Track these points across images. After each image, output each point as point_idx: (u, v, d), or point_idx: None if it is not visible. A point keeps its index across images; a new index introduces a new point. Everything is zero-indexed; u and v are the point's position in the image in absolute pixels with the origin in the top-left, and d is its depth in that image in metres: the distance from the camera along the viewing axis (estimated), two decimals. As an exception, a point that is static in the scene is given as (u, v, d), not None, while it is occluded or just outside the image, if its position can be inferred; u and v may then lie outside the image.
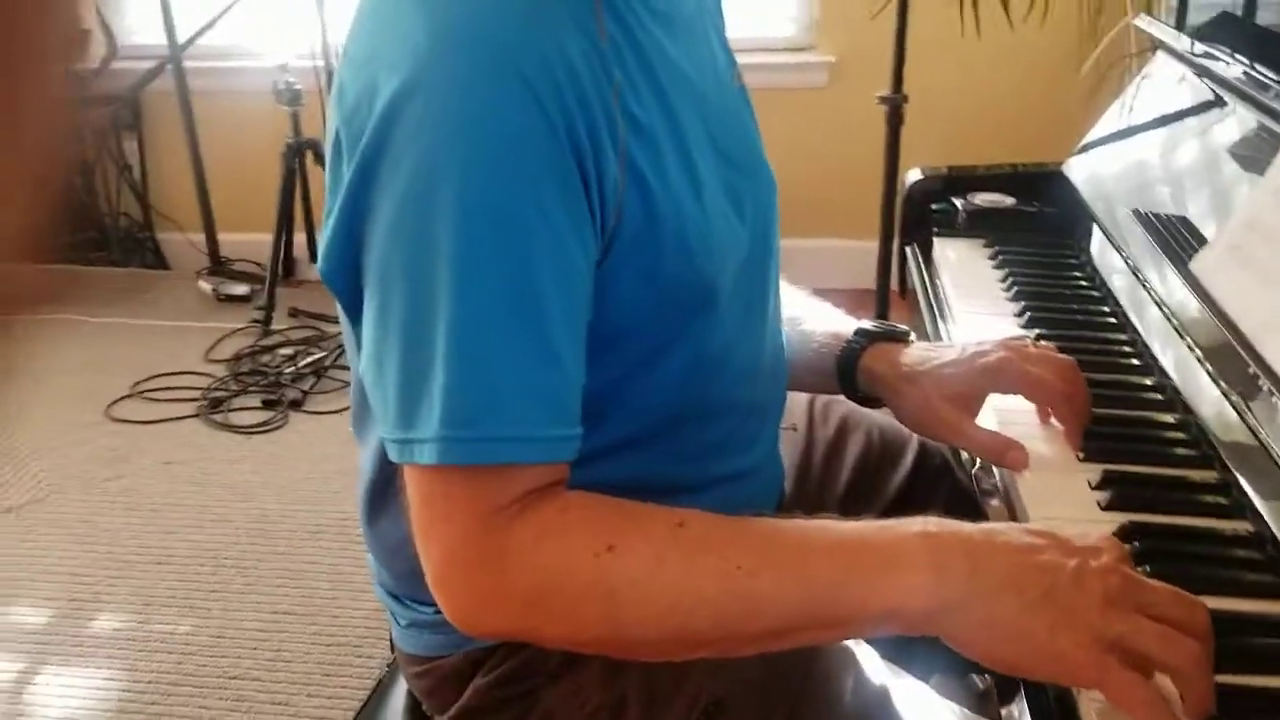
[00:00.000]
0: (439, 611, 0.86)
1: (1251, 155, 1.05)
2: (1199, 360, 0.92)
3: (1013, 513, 0.84)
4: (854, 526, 0.69)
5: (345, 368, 2.75)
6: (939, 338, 1.17)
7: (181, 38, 3.01)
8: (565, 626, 0.73)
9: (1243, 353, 0.83)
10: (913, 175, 1.43)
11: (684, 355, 0.80)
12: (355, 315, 0.76)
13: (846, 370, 0.97)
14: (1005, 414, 0.92)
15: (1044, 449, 0.89)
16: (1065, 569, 0.63)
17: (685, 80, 0.77)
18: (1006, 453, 0.86)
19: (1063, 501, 0.84)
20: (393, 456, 0.72)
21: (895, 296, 2.17)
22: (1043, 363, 0.90)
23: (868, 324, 0.99)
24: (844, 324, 1.00)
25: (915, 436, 1.13)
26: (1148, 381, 1.02)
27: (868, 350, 0.96)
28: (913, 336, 0.98)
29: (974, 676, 0.99)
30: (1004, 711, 0.80)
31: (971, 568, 0.64)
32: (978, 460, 0.95)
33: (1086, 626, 0.62)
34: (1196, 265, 0.93)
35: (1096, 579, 0.63)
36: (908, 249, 1.39)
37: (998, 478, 0.90)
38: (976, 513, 0.95)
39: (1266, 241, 0.86)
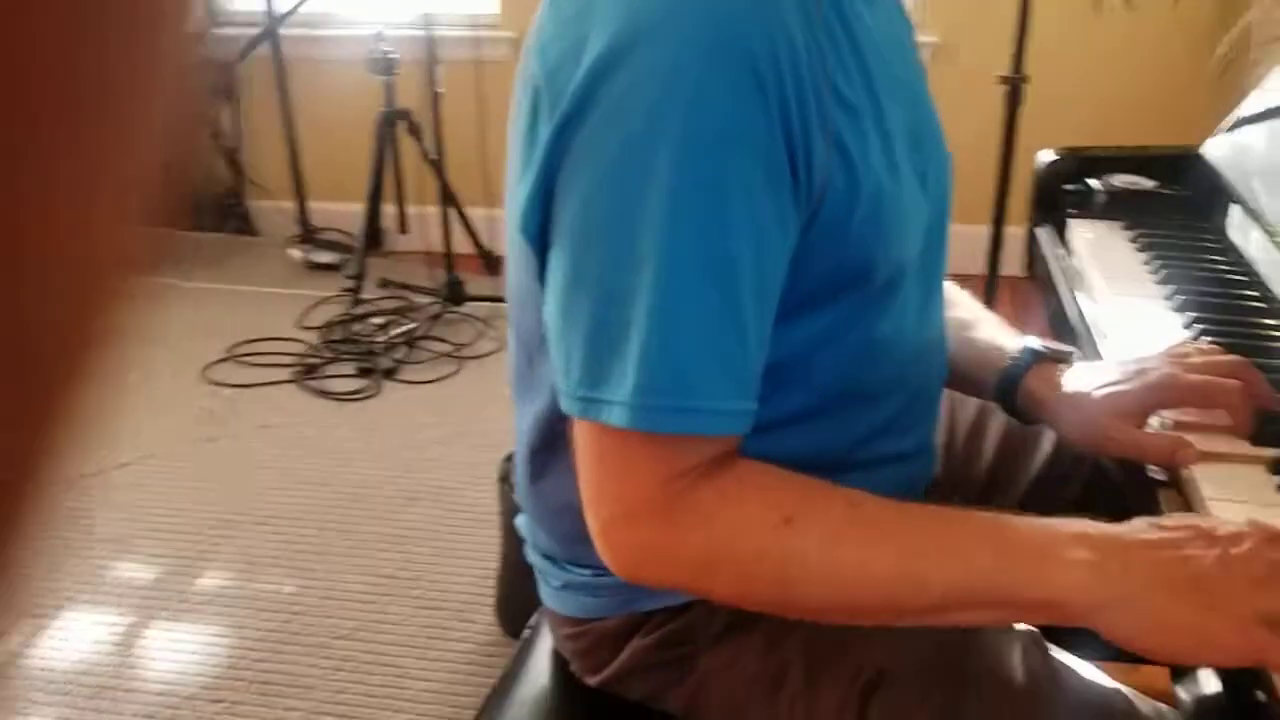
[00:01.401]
0: (599, 573, 0.88)
1: None
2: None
3: (1189, 503, 0.83)
4: (1017, 520, 0.72)
5: (437, 338, 2.78)
6: (1079, 319, 1.15)
7: (280, 7, 3.04)
8: (735, 588, 0.75)
9: None
10: (1045, 155, 1.41)
11: (864, 333, 0.80)
12: (541, 273, 0.77)
13: (1007, 388, 0.96)
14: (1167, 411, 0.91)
15: (1215, 438, 0.88)
16: (1209, 558, 0.66)
17: (881, 54, 0.77)
18: (1176, 452, 0.85)
19: (1238, 487, 0.83)
20: (571, 411, 0.73)
21: (1003, 282, 2.16)
22: (1210, 368, 0.89)
23: (1035, 342, 0.97)
24: (1009, 338, 0.99)
25: (1047, 429, 1.12)
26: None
27: (1032, 370, 0.94)
28: (1076, 355, 0.97)
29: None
30: (1177, 688, 0.79)
31: (1124, 565, 0.67)
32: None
33: (1236, 609, 0.64)
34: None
35: (1240, 564, 0.65)
36: (1038, 230, 1.37)
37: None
38: (1115, 495, 0.94)
39: None
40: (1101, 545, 0.68)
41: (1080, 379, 0.92)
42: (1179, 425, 0.89)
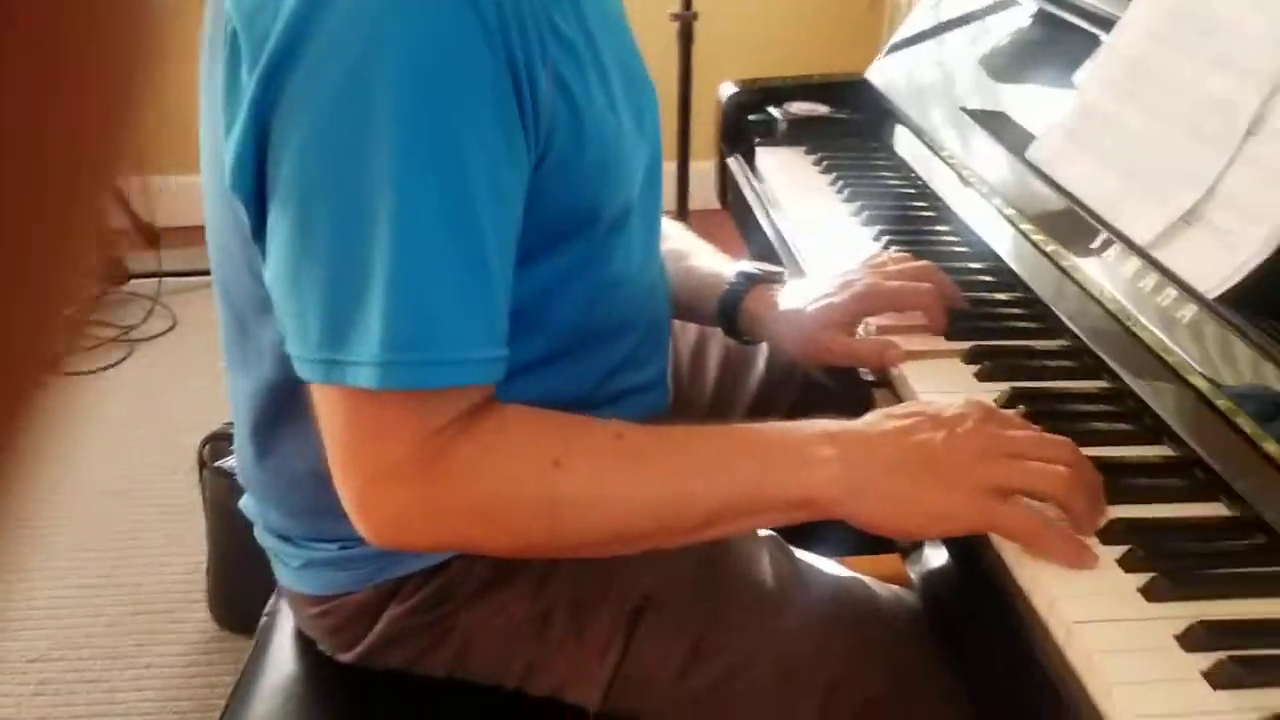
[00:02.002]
0: (346, 545, 0.84)
1: (1057, 51, 1.15)
2: (1032, 241, 1.00)
3: (901, 399, 0.90)
4: (765, 428, 0.75)
5: (101, 322, 2.54)
6: (777, 234, 1.21)
7: None
8: (507, 538, 0.74)
9: (1091, 224, 0.91)
10: (727, 89, 1.46)
11: (596, 274, 0.80)
12: (257, 233, 0.71)
13: (728, 311, 1.00)
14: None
15: (915, 338, 0.95)
16: (938, 439, 0.71)
17: None
18: (884, 354, 0.91)
19: (941, 380, 0.90)
20: (311, 376, 0.69)
21: (694, 215, 2.23)
22: (904, 275, 0.96)
23: (749, 266, 1.02)
24: (725, 265, 1.03)
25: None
26: (978, 265, 1.10)
27: (749, 292, 0.99)
28: (786, 274, 1.02)
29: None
30: (909, 568, 0.86)
31: (866, 455, 0.71)
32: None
33: (966, 482, 0.70)
34: (1035, 154, 1.00)
35: (965, 440, 0.71)
36: (729, 160, 1.42)
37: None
38: (828, 398, 1.01)
39: (1103, 129, 0.94)
40: (844, 440, 0.72)
41: (793, 296, 0.97)
42: (882, 330, 0.95)
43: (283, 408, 0.81)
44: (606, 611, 0.84)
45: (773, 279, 1.01)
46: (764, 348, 1.17)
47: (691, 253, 1.05)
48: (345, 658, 0.90)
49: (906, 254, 1.01)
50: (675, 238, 1.07)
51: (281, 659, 0.96)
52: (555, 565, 0.83)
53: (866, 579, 0.91)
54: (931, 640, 0.86)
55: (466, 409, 0.70)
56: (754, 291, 0.99)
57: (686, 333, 1.16)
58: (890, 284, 0.95)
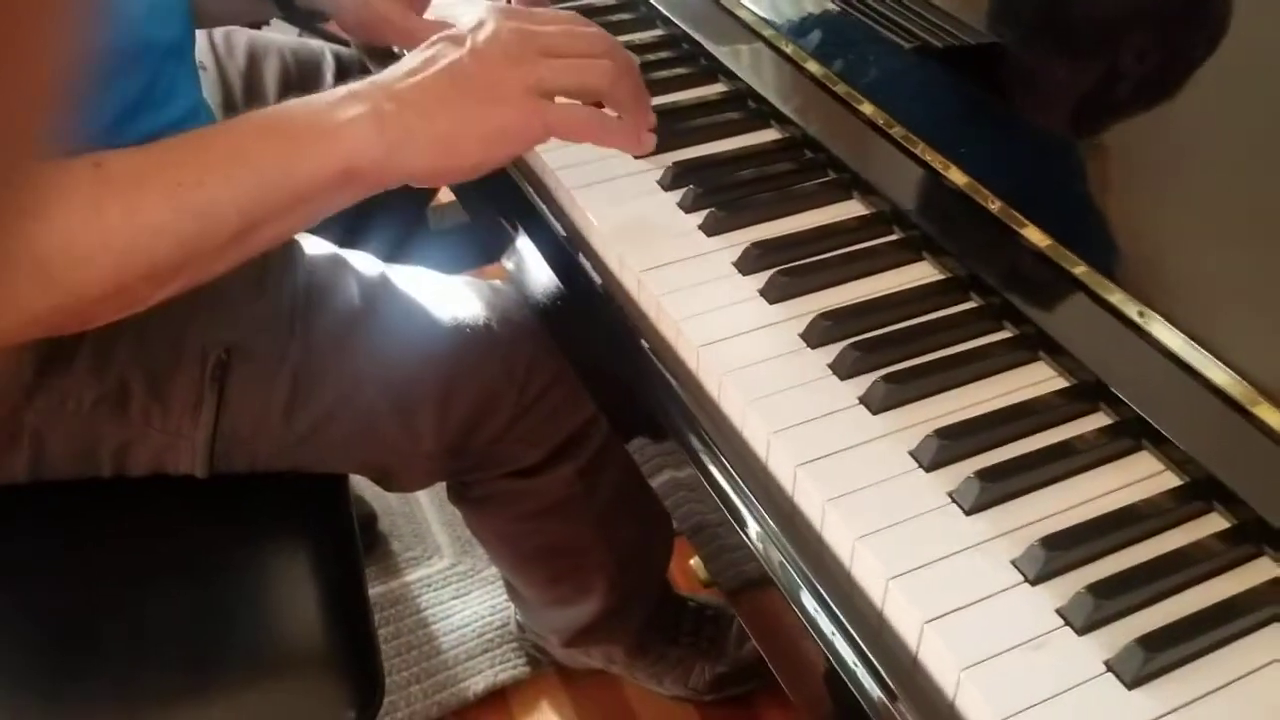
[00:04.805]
0: None
1: None
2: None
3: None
4: (281, 107, 0.65)
5: None
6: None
7: None
8: (8, 317, 0.63)
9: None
10: None
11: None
12: None
13: None
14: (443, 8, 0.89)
15: None
16: (465, 58, 0.65)
17: None
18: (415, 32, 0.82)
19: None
20: None
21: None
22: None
23: None
24: None
25: (328, 50, 1.08)
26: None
27: None
28: None
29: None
30: (504, 262, 0.84)
31: (396, 102, 0.63)
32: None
33: (508, 91, 0.64)
34: None
35: (489, 47, 0.65)
36: None
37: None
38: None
39: None
40: (368, 94, 0.64)
41: None
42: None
43: None
44: (187, 372, 0.78)
45: None
46: (329, 62, 1.08)
47: None
48: (-91, 491, 0.79)
49: None
50: None
51: None
52: (112, 336, 0.75)
53: (464, 279, 0.89)
54: (534, 323, 0.85)
55: None
56: None
57: (234, 57, 1.04)
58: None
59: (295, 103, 0.64)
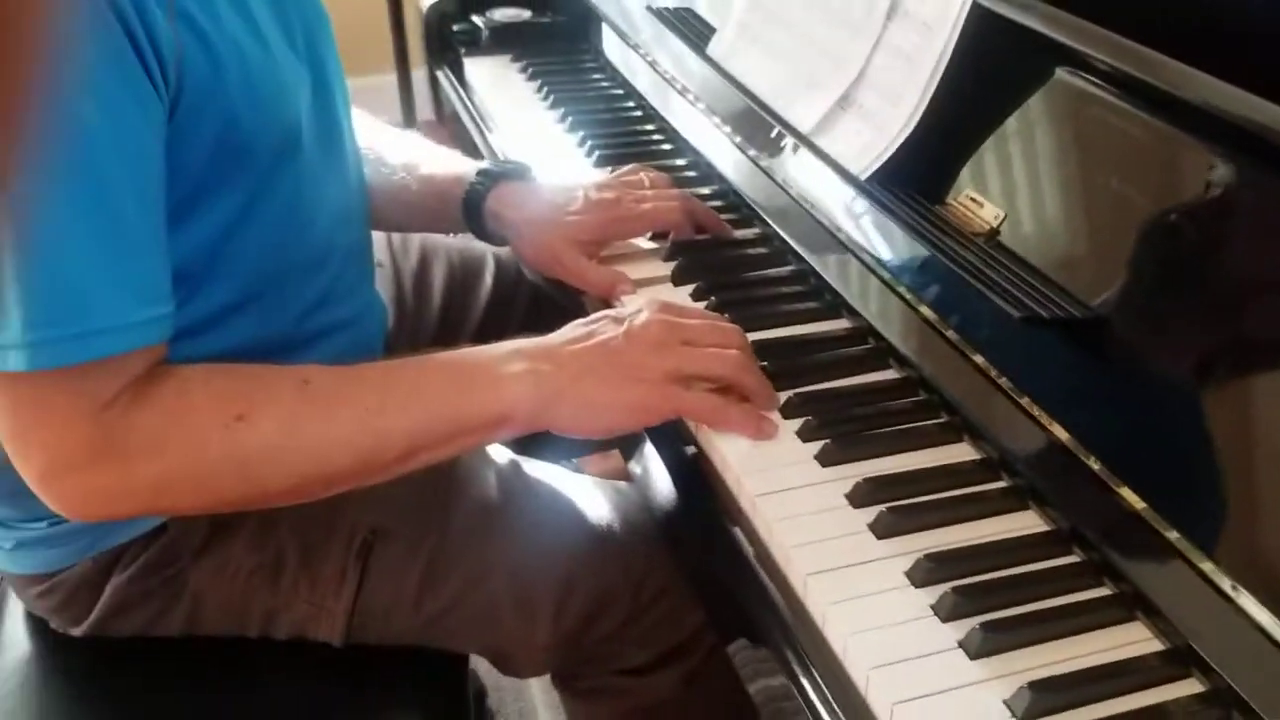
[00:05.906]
0: (54, 523, 0.82)
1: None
2: (725, 134, 1.04)
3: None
4: (459, 353, 0.77)
5: None
6: (491, 153, 1.21)
7: None
8: (201, 500, 0.74)
9: (765, 116, 0.95)
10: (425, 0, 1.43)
11: (274, 207, 0.78)
12: None
13: (473, 213, 0.99)
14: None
15: (639, 264, 0.96)
16: (618, 337, 0.76)
17: None
18: (615, 287, 0.93)
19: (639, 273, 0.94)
20: None
21: (423, 126, 2.18)
22: (658, 197, 0.97)
23: (488, 165, 1.01)
24: (464, 166, 1.01)
25: (489, 254, 1.18)
26: (682, 162, 1.13)
27: (492, 192, 0.98)
28: (533, 172, 1.01)
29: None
30: (631, 466, 0.90)
31: (555, 365, 0.74)
32: None
33: (649, 373, 0.74)
34: (713, 50, 1.03)
35: (641, 333, 0.76)
36: (439, 73, 1.40)
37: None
38: (555, 307, 1.03)
39: (768, 21, 0.98)
40: (533, 354, 0.75)
41: (541, 202, 0.97)
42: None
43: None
44: (335, 550, 0.85)
45: (516, 175, 1.00)
46: (490, 264, 1.18)
47: (426, 160, 1.03)
48: (77, 632, 0.87)
49: (662, 174, 1.01)
50: (408, 148, 1.04)
51: (13, 641, 0.93)
52: (276, 511, 0.83)
53: (592, 479, 0.95)
54: (653, 529, 0.91)
55: (135, 377, 0.68)
56: (497, 191, 0.98)
57: (409, 256, 1.15)
58: (644, 207, 0.96)
59: (469, 351, 0.76)
